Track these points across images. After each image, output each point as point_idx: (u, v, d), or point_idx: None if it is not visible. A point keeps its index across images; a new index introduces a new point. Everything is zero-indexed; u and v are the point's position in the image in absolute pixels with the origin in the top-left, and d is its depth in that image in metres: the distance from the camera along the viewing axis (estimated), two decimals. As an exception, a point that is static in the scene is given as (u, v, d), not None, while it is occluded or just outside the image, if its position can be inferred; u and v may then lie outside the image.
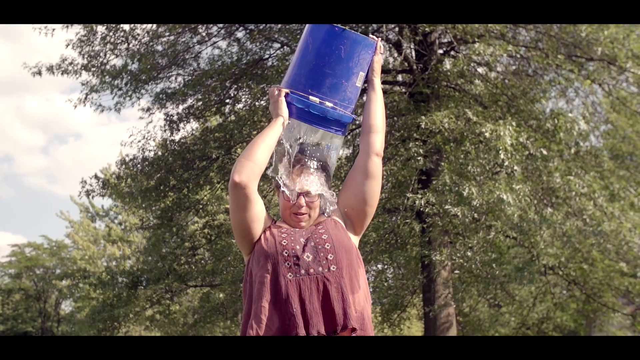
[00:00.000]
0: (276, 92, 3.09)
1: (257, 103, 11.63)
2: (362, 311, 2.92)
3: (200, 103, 12.72)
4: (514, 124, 9.73)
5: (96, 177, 14.06)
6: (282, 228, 3.04)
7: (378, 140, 3.13)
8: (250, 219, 2.98)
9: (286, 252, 2.92)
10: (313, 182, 3.06)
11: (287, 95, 3.08)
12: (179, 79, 13.02)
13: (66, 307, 35.52)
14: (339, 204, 3.14)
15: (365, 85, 3.24)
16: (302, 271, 2.90)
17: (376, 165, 3.11)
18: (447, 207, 9.47)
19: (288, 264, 2.90)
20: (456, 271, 12.61)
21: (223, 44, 12.93)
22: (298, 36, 11.12)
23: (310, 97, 3.04)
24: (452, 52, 12.05)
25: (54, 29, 12.75)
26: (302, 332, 2.82)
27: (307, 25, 3.17)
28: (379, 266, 13.50)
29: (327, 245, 2.95)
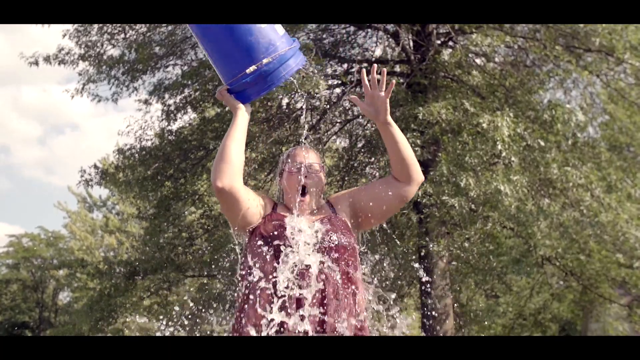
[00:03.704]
0: (220, 94, 3.09)
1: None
2: (357, 315, 2.95)
3: (197, 93, 12.70)
4: (511, 115, 9.73)
5: (95, 166, 14.06)
6: (285, 218, 3.06)
7: (419, 170, 3.13)
8: (243, 214, 3.01)
9: (288, 246, 2.93)
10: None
11: (229, 90, 3.06)
12: (177, 69, 13.00)
13: (64, 297, 35.56)
14: (355, 201, 3.16)
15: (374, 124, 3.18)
16: (303, 266, 2.90)
17: (413, 193, 3.16)
18: (444, 198, 9.48)
19: (290, 258, 2.91)
20: (453, 262, 12.63)
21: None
22: (296, 27, 11.09)
23: (247, 71, 2.97)
24: (450, 43, 12.04)
25: (50, 19, 12.70)
26: (294, 328, 2.83)
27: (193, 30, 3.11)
28: (376, 257, 13.52)
29: (332, 244, 2.97)
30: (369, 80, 3.02)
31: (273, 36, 2.99)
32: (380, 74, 3.01)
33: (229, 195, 2.95)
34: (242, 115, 3.04)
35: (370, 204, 3.12)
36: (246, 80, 2.98)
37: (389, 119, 3.04)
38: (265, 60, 2.94)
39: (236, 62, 2.99)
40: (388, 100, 3.01)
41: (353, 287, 2.97)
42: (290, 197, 3.12)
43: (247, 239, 3.08)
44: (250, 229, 3.05)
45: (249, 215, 3.02)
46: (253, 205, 3.04)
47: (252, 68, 2.95)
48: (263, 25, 2.98)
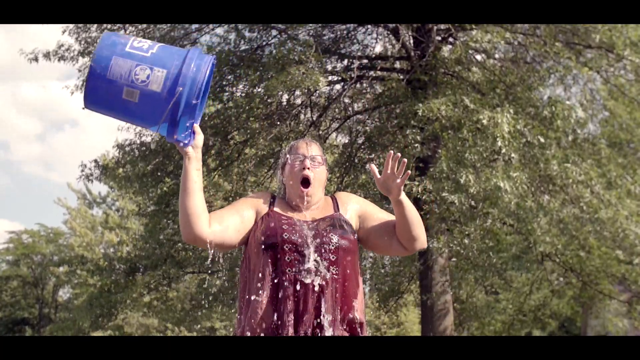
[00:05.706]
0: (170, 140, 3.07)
1: (254, 90, 11.61)
2: (354, 318, 2.94)
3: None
4: (511, 111, 9.73)
5: (96, 162, 14.05)
6: (283, 216, 3.03)
7: (424, 241, 3.12)
8: (230, 242, 3.01)
9: (287, 246, 2.90)
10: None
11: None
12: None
13: (64, 293, 35.59)
14: (362, 222, 3.14)
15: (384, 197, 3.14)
16: (303, 267, 2.88)
17: (405, 253, 3.18)
18: (444, 194, 9.47)
19: (289, 258, 2.89)
20: (453, 259, 12.63)
21: (221, 30, 12.89)
22: (296, 24, 11.07)
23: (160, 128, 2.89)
24: (450, 39, 12.03)
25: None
26: (292, 331, 2.83)
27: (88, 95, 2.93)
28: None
29: (332, 246, 2.94)
30: (391, 165, 2.98)
31: (154, 100, 2.84)
32: (400, 162, 2.97)
33: (200, 243, 2.94)
34: (189, 162, 2.95)
35: (373, 241, 3.13)
36: (167, 127, 2.89)
37: (402, 197, 3.01)
38: (153, 132, 2.89)
39: (143, 114, 2.91)
40: (402, 186, 3.00)
41: (352, 287, 2.96)
42: (292, 190, 3.09)
43: (245, 243, 3.07)
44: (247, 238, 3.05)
45: (231, 240, 3.01)
46: (238, 227, 3.01)
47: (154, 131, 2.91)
48: (136, 100, 2.84)
